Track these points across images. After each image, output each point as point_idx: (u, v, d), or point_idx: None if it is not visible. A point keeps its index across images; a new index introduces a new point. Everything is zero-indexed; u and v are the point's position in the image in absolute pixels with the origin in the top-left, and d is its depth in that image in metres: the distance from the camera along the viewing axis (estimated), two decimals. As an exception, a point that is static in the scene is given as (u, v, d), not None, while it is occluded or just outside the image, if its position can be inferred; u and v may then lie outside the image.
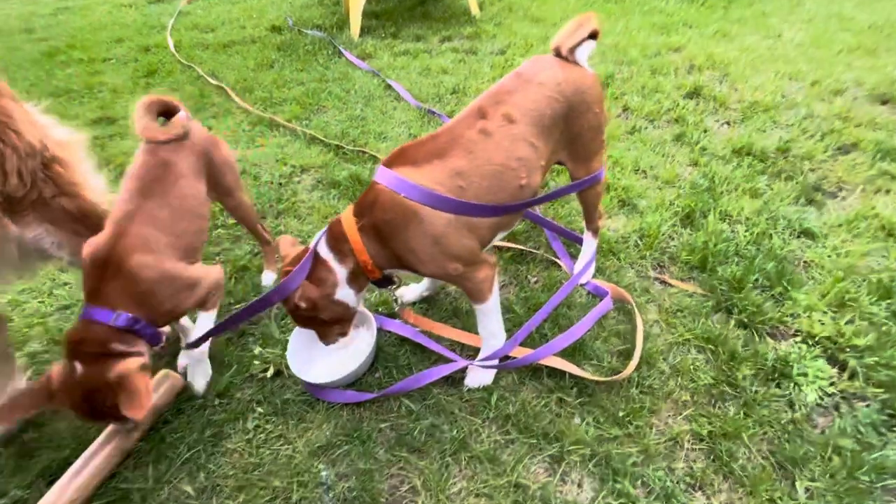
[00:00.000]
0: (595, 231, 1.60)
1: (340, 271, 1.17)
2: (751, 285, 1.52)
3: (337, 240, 1.16)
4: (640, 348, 1.34)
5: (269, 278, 1.72)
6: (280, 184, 2.29)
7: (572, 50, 1.30)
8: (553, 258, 1.74)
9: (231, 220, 2.05)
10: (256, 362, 1.44)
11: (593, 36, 1.31)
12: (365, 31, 4.04)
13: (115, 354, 1.07)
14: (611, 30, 3.59)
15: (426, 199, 1.09)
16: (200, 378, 1.37)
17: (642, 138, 2.34)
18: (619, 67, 3.04)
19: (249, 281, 1.75)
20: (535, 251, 1.76)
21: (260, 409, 1.33)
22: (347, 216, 1.16)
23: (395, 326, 1.48)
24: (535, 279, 1.69)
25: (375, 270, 1.18)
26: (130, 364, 1.05)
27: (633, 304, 1.47)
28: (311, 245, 1.17)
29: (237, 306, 1.66)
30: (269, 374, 1.42)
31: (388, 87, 3.06)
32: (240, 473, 1.20)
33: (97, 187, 1.37)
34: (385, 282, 1.26)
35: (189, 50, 4.03)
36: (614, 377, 1.29)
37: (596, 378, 1.30)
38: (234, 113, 2.98)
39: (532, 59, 1.31)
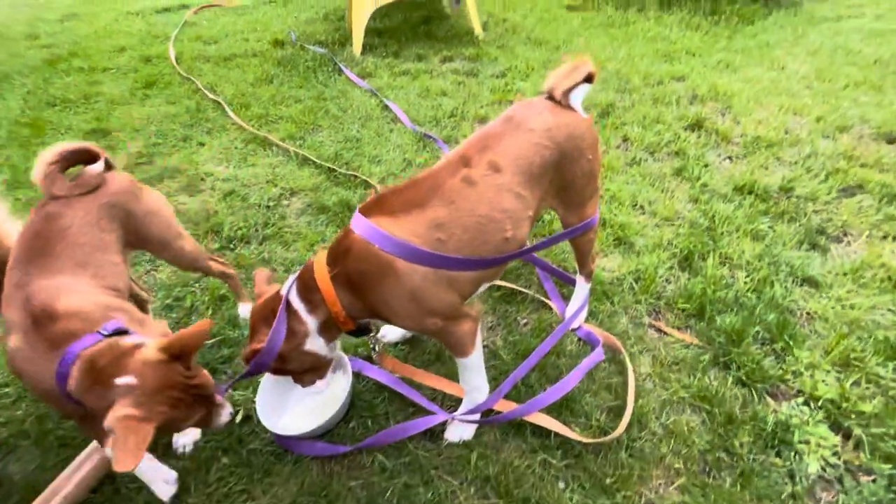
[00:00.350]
0: (588, 275, 1.53)
1: (311, 322, 1.10)
2: (750, 338, 1.45)
3: (308, 289, 1.09)
4: (632, 407, 1.26)
5: (245, 310, 1.65)
6: (268, 206, 2.23)
7: (566, 93, 1.23)
8: (544, 299, 1.67)
9: (213, 245, 1.99)
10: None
11: (589, 79, 1.25)
12: (367, 48, 4.03)
13: None
14: (613, 56, 3.56)
15: (401, 251, 1.02)
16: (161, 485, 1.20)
17: (641, 171, 2.28)
18: (620, 95, 3.00)
19: (227, 312, 1.68)
20: (525, 291, 1.69)
21: (225, 460, 1.25)
22: (320, 264, 1.09)
23: (373, 372, 1.40)
24: (524, 321, 1.61)
25: (349, 321, 1.11)
26: None
27: (626, 356, 1.40)
28: (283, 292, 1.10)
29: (211, 340, 1.58)
30: (238, 418, 1.34)
31: (386, 107, 3.02)
32: (196, 534, 1.12)
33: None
34: (361, 331, 1.19)
35: (190, 62, 4.01)
36: (603, 439, 1.21)
37: (583, 439, 1.21)
38: (228, 129, 2.94)
39: (523, 102, 1.25)
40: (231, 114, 3.03)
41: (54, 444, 1.31)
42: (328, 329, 1.13)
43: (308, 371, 1.19)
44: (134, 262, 1.94)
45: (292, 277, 1.12)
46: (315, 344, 1.13)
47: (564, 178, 1.23)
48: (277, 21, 5.08)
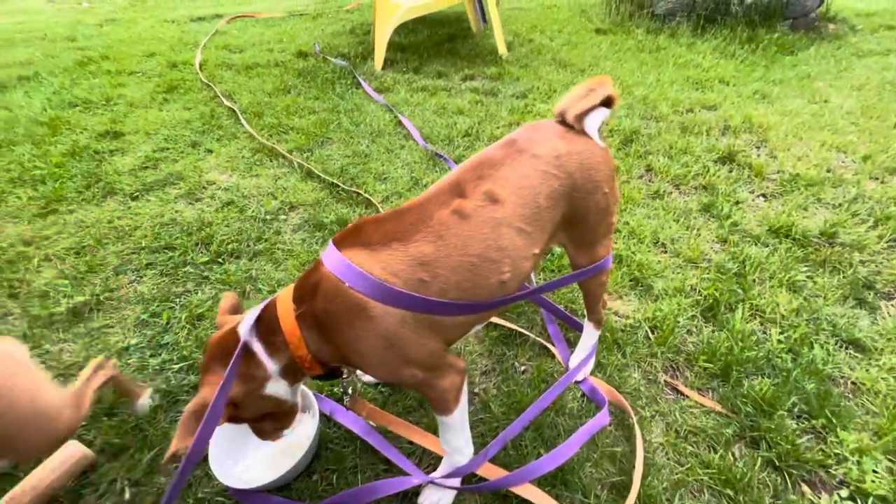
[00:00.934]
0: (598, 322, 1.36)
1: (271, 366, 0.96)
2: (785, 411, 1.24)
3: (270, 329, 0.95)
4: (638, 486, 1.07)
5: (143, 406, 1.32)
6: (265, 220, 2.14)
7: (580, 117, 1.07)
8: (547, 344, 1.49)
9: (200, 258, 1.89)
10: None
11: (607, 103, 1.09)
12: (388, 63, 3.98)
13: None
14: (641, 81, 3.41)
15: (375, 292, 0.87)
16: None
17: (665, 205, 2.10)
18: (646, 122, 2.83)
19: (203, 333, 1.57)
20: (527, 332, 1.52)
21: (169, 508, 1.11)
22: (284, 301, 0.95)
23: (344, 418, 1.25)
24: (522, 368, 1.44)
25: (315, 366, 0.97)
26: None
27: (635, 422, 1.21)
28: (241, 331, 0.96)
29: (181, 363, 1.46)
30: (192, 460, 1.20)
31: (399, 123, 2.93)
32: None
33: None
34: (331, 375, 1.04)
35: (213, 69, 4.04)
36: None
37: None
38: (238, 138, 2.89)
39: (530, 125, 1.10)
40: (243, 121, 2.99)
41: None
42: (292, 372, 0.98)
43: (268, 419, 1.05)
44: (123, 269, 1.86)
45: (253, 313, 0.98)
46: (276, 388, 0.99)
47: (576, 214, 1.07)
48: (305, 33, 5.13)
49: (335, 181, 2.34)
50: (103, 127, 3.05)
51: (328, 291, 0.90)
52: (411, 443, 1.22)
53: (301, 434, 1.19)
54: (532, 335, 1.52)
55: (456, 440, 1.07)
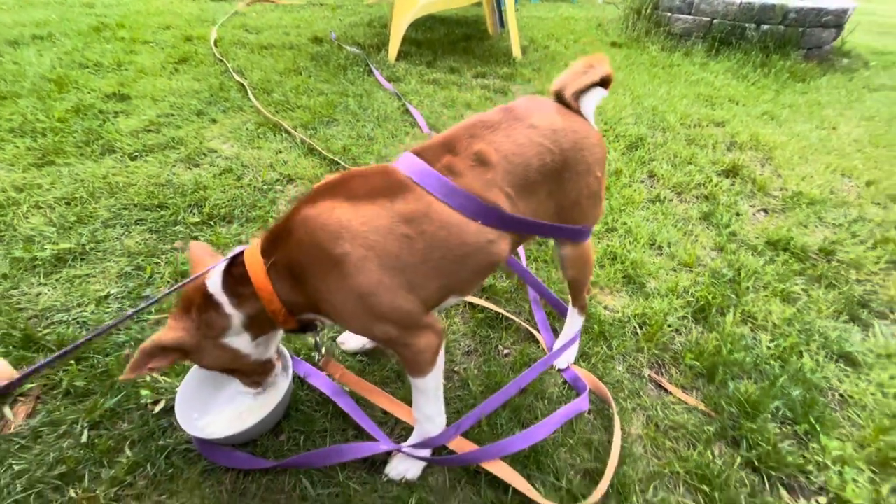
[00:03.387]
0: (582, 308, 1.33)
1: (236, 315, 0.93)
2: (769, 414, 1.21)
3: (237, 282, 0.92)
4: (612, 474, 1.04)
5: None
6: (261, 189, 2.12)
7: (577, 96, 1.06)
8: (532, 330, 1.46)
9: (192, 219, 1.87)
10: (146, 392, 1.19)
11: (604, 83, 1.08)
12: (402, 55, 3.99)
13: None
14: (652, 93, 3.41)
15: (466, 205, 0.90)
16: None
17: (665, 210, 2.08)
18: (653, 131, 2.82)
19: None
20: (513, 317, 1.49)
21: (129, 453, 1.07)
22: (252, 254, 0.92)
23: (318, 381, 1.22)
24: (506, 351, 1.41)
25: (289, 320, 0.94)
26: None
27: (615, 410, 1.18)
28: (208, 282, 0.93)
29: (157, 315, 1.43)
30: (158, 409, 1.17)
31: (406, 111, 2.92)
32: (68, 538, 0.94)
33: None
34: (305, 328, 1.01)
35: (228, 46, 4.05)
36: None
37: (546, 503, 0.99)
38: (244, 111, 2.88)
39: (528, 96, 1.08)
40: (251, 95, 2.98)
41: None
42: (257, 324, 0.95)
43: (238, 372, 1.02)
44: (112, 223, 1.83)
45: (221, 263, 0.95)
46: (237, 340, 0.96)
47: (567, 196, 1.05)
48: (322, 21, 5.15)
49: (336, 159, 2.32)
50: (111, 89, 3.04)
51: (302, 240, 0.87)
52: (385, 413, 1.19)
53: (270, 392, 1.16)
54: (519, 321, 1.49)
55: (428, 407, 1.04)
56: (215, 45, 4.01)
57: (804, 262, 1.81)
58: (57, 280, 1.57)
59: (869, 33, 6.06)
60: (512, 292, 1.61)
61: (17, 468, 1.04)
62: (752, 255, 1.82)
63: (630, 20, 5.19)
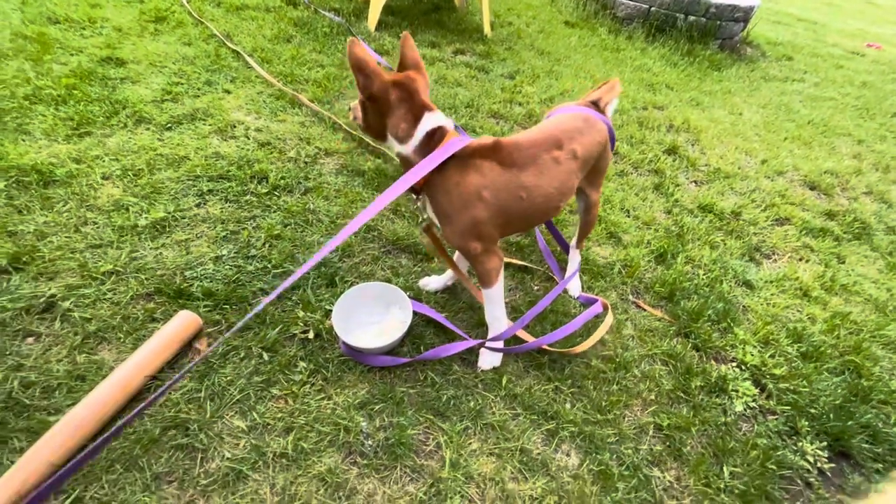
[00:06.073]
0: (580, 248, 1.97)
1: (411, 143, 1.31)
2: (705, 318, 1.92)
3: (432, 139, 1.31)
4: (601, 334, 1.71)
5: None
6: (305, 162, 2.42)
7: (607, 105, 1.63)
8: (550, 273, 2.05)
9: (261, 189, 2.17)
10: (299, 324, 1.61)
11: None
12: (381, 25, 4.18)
13: None
14: (606, 76, 4.02)
15: None
16: None
17: (628, 182, 2.73)
18: (615, 115, 3.45)
19: (283, 249, 1.90)
20: (537, 268, 2.06)
21: (303, 364, 1.51)
22: (454, 134, 1.33)
23: (421, 308, 1.70)
24: (537, 288, 1.98)
25: (421, 183, 1.35)
26: None
27: (609, 307, 1.82)
28: (435, 115, 1.31)
29: (278, 272, 1.80)
30: (311, 335, 1.59)
31: (408, 88, 3.25)
32: (287, 417, 1.38)
33: None
34: (416, 192, 1.42)
35: (198, 3, 3.96)
36: (573, 349, 1.66)
37: (561, 350, 1.61)
38: (253, 82, 3.03)
39: (587, 108, 1.61)
40: (255, 66, 3.12)
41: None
42: (403, 155, 1.35)
43: (374, 133, 1.39)
44: (185, 193, 2.08)
45: (449, 121, 1.35)
46: (392, 142, 1.35)
47: (597, 167, 1.65)
48: (288, -22, 5.05)
49: (363, 136, 2.66)
50: (101, 52, 3.01)
51: (475, 167, 1.33)
52: (468, 328, 1.71)
53: (395, 320, 1.63)
54: (540, 269, 2.06)
55: (495, 310, 1.56)
56: (187, 1, 3.91)
57: (722, 220, 2.57)
58: (164, 245, 1.84)
59: (767, 23, 7.16)
60: (531, 246, 2.17)
61: (227, 379, 1.43)
62: (690, 216, 2.54)
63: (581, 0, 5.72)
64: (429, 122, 1.31)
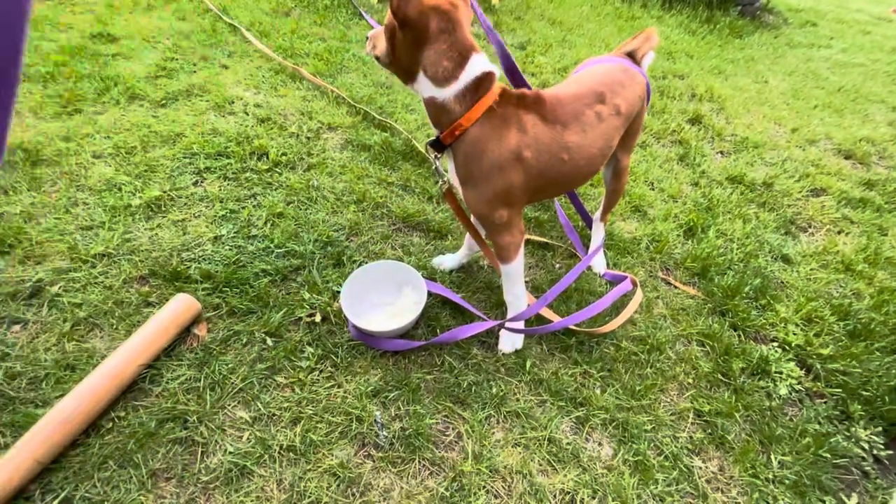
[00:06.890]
0: (604, 221, 1.83)
1: (448, 91, 1.11)
2: (742, 295, 1.77)
3: (479, 86, 1.12)
4: (630, 312, 1.58)
5: None
6: (308, 138, 2.28)
7: (643, 57, 1.46)
8: (572, 249, 1.90)
9: (261, 166, 2.03)
10: (304, 306, 1.49)
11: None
12: (383, -4, 3.99)
13: None
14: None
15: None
16: None
17: (651, 153, 2.56)
18: (630, 84, 3.25)
19: (287, 228, 1.77)
20: (559, 244, 1.92)
21: (310, 349, 1.39)
22: (499, 86, 1.16)
23: (436, 288, 1.57)
24: (559, 265, 1.84)
25: (451, 136, 1.17)
26: None
27: (639, 285, 1.67)
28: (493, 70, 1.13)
29: (281, 251, 1.68)
30: (318, 319, 1.47)
31: (414, 60, 3.07)
32: (294, 407, 1.26)
33: None
34: (439, 147, 1.24)
35: (194, -22, 3.78)
36: (601, 328, 1.53)
37: (589, 330, 1.48)
38: (251, 56, 2.88)
39: (623, 59, 1.44)
40: (256, 42, 2.96)
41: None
42: (436, 101, 1.14)
43: (402, 70, 1.18)
44: (182, 171, 1.95)
45: (495, 70, 1.15)
46: (425, 83, 1.13)
47: (634, 127, 1.50)
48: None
49: (366, 108, 2.50)
50: (92, 28, 2.87)
51: (527, 110, 1.18)
52: (485, 307, 1.58)
53: (409, 302, 1.50)
54: (562, 246, 1.92)
55: (514, 287, 1.43)
56: (182, -24, 3.73)
57: (753, 192, 2.39)
58: (159, 225, 1.72)
59: (787, -10, 6.81)
60: (553, 221, 2.02)
61: (228, 366, 1.32)
62: (720, 188, 2.37)
63: (592, -32, 5.42)
64: (478, 64, 1.11)
